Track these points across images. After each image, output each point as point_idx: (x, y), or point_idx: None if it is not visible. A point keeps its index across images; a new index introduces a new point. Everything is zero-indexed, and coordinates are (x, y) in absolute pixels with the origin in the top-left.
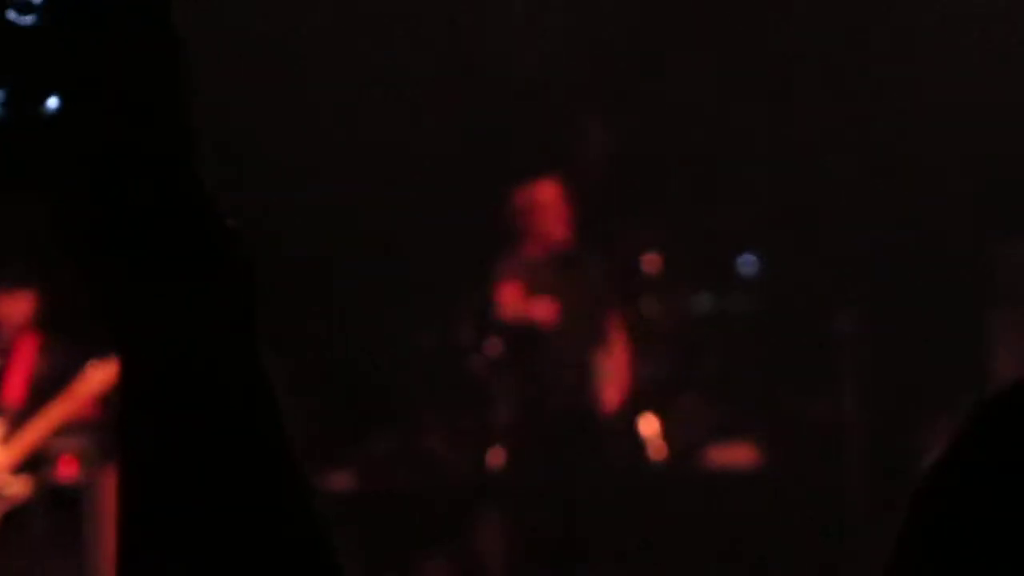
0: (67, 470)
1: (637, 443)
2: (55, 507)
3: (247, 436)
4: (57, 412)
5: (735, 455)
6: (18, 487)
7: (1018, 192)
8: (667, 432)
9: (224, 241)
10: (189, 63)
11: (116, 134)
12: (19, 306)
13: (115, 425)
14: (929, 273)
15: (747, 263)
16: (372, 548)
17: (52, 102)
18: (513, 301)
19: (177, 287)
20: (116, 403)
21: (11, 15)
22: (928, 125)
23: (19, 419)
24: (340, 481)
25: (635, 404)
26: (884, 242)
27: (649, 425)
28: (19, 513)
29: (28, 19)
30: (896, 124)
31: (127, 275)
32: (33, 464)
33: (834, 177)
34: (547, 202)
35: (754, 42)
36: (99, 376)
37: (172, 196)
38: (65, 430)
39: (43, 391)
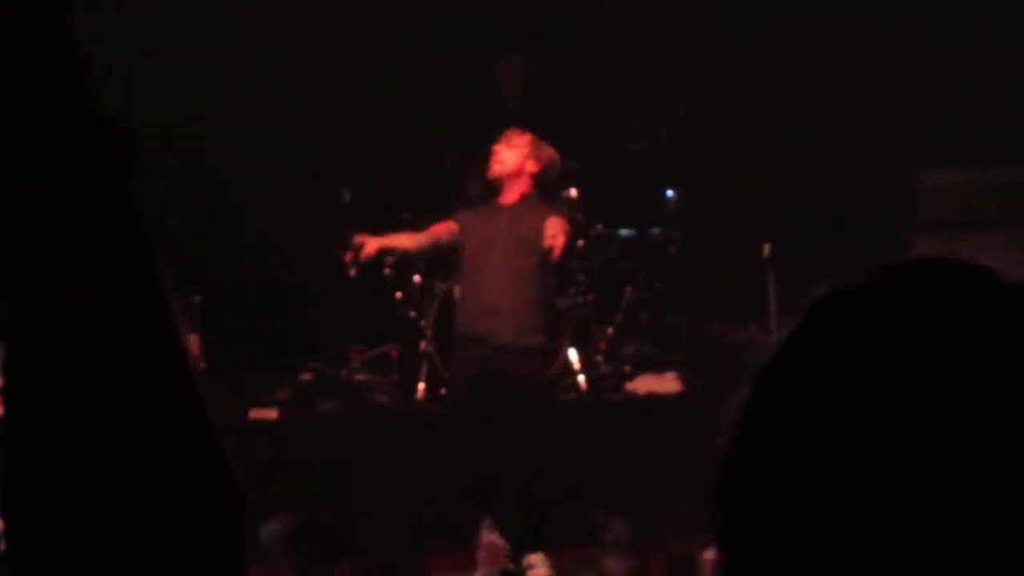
0: None
1: (560, 374)
2: None
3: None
4: None
5: (659, 384)
6: None
7: (937, 120)
8: (589, 364)
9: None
10: None
11: None
12: None
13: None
14: (853, 199)
15: (668, 196)
16: (298, 477)
17: None
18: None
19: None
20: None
21: None
22: (849, 57)
23: None
24: (267, 412)
25: (558, 336)
26: (808, 170)
27: (571, 357)
28: None
29: None
30: (817, 58)
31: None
32: None
33: (757, 106)
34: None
35: None
36: None
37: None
38: None
39: None
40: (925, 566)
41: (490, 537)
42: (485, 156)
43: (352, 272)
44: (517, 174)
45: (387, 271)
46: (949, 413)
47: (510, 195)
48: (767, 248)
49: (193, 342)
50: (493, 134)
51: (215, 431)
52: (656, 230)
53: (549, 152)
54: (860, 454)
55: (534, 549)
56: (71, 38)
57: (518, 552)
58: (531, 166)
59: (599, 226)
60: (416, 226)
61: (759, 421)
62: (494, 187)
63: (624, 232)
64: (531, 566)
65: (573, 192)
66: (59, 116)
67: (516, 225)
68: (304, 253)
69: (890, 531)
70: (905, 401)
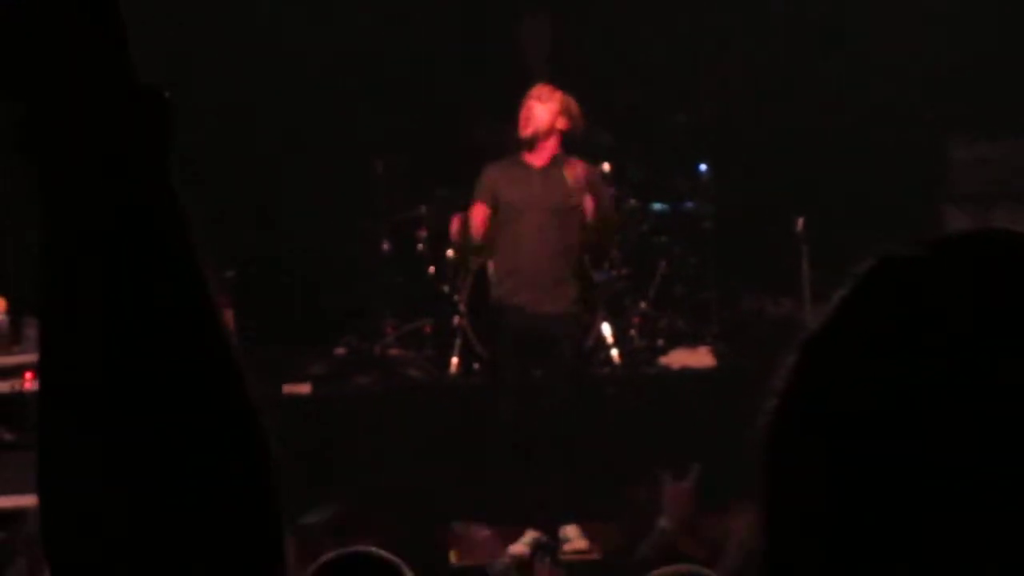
0: None
1: (593, 347)
2: None
3: (157, 247)
4: None
5: (692, 358)
6: None
7: (970, 93)
8: (623, 338)
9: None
10: None
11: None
12: None
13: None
14: (886, 172)
15: (702, 170)
16: (330, 452)
17: None
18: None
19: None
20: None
21: None
22: (883, 29)
23: None
24: (300, 387)
25: (591, 310)
26: (842, 143)
27: (604, 331)
28: None
29: None
30: (851, 30)
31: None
32: None
33: (790, 79)
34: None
35: None
36: None
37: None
38: None
39: None
40: (976, 532)
41: (481, 531)
42: (514, 120)
43: (385, 246)
44: (549, 132)
45: (420, 246)
46: (1004, 382)
47: (540, 156)
48: (800, 222)
49: (227, 317)
50: (521, 98)
51: (254, 404)
52: (690, 204)
53: (575, 107)
54: (910, 422)
55: (569, 521)
56: (114, 6)
57: (553, 524)
58: (561, 123)
59: (632, 200)
60: (454, 204)
61: (809, 386)
62: (521, 144)
63: (658, 206)
64: (567, 539)
65: (606, 167)
66: (99, 83)
67: (550, 193)
68: (337, 227)
69: (937, 494)
70: (961, 370)
